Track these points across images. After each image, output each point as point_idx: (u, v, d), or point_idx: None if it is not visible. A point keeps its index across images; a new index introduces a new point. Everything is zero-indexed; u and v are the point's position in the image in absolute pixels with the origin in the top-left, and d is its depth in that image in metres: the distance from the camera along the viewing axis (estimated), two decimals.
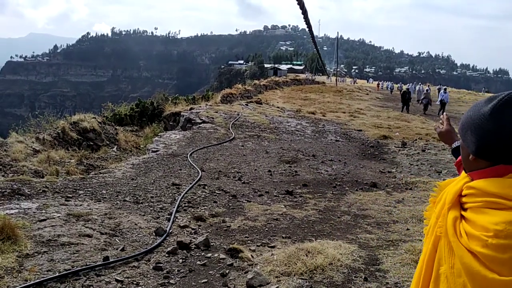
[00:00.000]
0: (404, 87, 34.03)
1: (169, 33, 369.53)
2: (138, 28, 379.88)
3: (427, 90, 26.95)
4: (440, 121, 1.84)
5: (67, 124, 12.71)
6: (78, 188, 5.80)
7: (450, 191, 1.37)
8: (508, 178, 1.22)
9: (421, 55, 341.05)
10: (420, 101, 25.38)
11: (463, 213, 1.29)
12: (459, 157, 1.68)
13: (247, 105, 18.20)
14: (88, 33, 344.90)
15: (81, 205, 5.03)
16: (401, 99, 24.70)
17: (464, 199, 1.31)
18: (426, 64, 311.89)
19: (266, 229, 4.93)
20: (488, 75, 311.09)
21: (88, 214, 4.66)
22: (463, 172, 1.49)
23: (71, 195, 5.41)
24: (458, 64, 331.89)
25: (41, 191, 5.50)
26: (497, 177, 1.24)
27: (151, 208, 5.28)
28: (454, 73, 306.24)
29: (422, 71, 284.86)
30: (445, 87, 27.15)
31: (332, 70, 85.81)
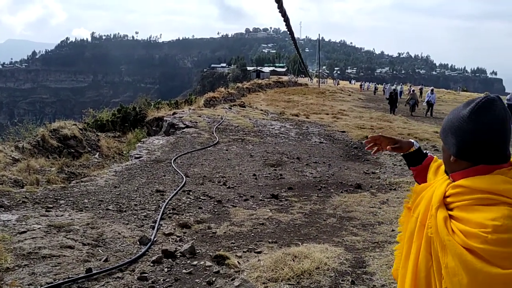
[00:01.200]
0: (392, 88, 34.23)
1: (150, 37, 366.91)
2: (118, 33, 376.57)
3: (413, 91, 26.98)
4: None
5: (47, 132, 12.47)
6: (59, 197, 5.67)
7: (436, 193, 1.39)
8: (495, 175, 1.27)
9: (401, 56, 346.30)
10: (406, 102, 25.36)
11: (449, 212, 1.31)
12: (419, 166, 1.80)
13: (230, 108, 18.15)
14: (67, 38, 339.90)
15: (62, 215, 4.91)
16: (389, 101, 24.64)
17: (449, 199, 1.34)
18: (406, 64, 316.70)
19: (252, 234, 4.89)
20: (466, 74, 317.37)
21: (69, 224, 4.55)
22: (441, 175, 1.53)
23: (51, 205, 5.29)
24: (437, 64, 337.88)
25: (21, 202, 5.36)
26: (496, 172, 1.28)
27: (135, 216, 5.19)
28: (434, 73, 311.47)
29: (403, 71, 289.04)
30: (432, 87, 26.89)
31: (314, 71, 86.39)
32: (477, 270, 1.16)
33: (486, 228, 1.17)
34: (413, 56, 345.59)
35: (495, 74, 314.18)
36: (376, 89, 48.16)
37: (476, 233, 1.18)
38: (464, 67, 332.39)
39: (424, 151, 1.87)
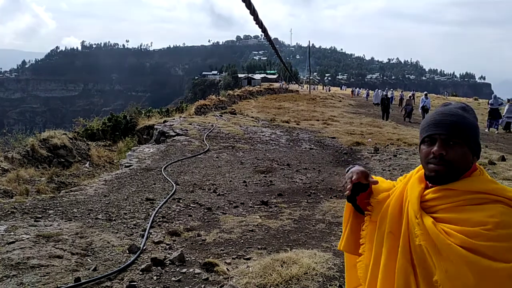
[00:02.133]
0: (383, 93, 34.17)
1: (141, 46, 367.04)
2: (109, 41, 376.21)
3: (410, 97, 26.50)
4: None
5: (37, 141, 12.42)
6: (48, 207, 5.66)
7: (412, 201, 1.41)
8: (479, 176, 1.36)
9: (391, 61, 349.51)
10: (402, 108, 24.85)
11: (432, 215, 1.34)
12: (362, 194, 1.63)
13: (221, 116, 18.20)
14: (57, 47, 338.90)
15: (51, 225, 4.90)
16: (381, 106, 24.55)
17: (429, 203, 1.37)
18: (396, 70, 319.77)
19: (242, 241, 4.92)
20: (455, 79, 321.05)
21: (58, 234, 4.55)
22: (401, 181, 1.56)
23: (40, 215, 5.27)
24: (427, 70, 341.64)
25: (9, 212, 5.34)
26: (474, 174, 1.37)
27: (124, 225, 5.19)
28: (423, 78, 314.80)
29: (393, 77, 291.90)
30: (425, 92, 26.13)
31: (305, 78, 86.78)
32: (485, 268, 1.20)
33: (487, 225, 1.23)
34: (402, 61, 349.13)
35: (484, 79, 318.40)
36: (368, 95, 48.62)
37: (478, 231, 1.23)
38: (453, 72, 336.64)
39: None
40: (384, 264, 1.44)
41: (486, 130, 18.74)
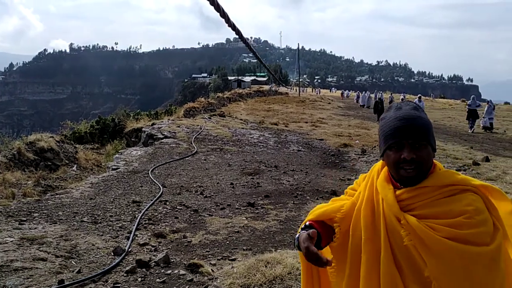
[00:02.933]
0: (372, 96, 33.82)
1: (130, 48, 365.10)
2: (97, 44, 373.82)
3: (402, 99, 26.71)
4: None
5: (23, 145, 12.31)
6: (33, 210, 5.63)
7: (389, 203, 1.43)
8: (443, 171, 1.44)
9: (380, 64, 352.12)
10: None
11: (410, 213, 1.39)
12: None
13: (210, 118, 18.21)
14: (45, 50, 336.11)
15: (35, 228, 4.89)
16: (374, 110, 24.36)
17: (405, 202, 1.42)
18: (385, 72, 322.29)
19: (227, 242, 4.95)
20: (444, 81, 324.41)
21: (42, 237, 4.54)
22: (360, 185, 1.62)
23: (25, 219, 5.25)
24: (415, 72, 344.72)
25: None
26: (436, 169, 1.45)
27: (110, 228, 5.19)
28: (412, 80, 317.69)
29: (382, 79, 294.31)
30: (419, 95, 25.88)
31: (294, 80, 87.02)
32: (472, 255, 1.28)
33: (466, 214, 1.32)
34: (391, 64, 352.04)
35: (471, 81, 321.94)
36: (358, 97, 48.80)
37: (461, 221, 1.31)
38: (441, 75, 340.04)
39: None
40: (365, 271, 1.45)
41: (470, 131, 19.05)
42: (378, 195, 1.49)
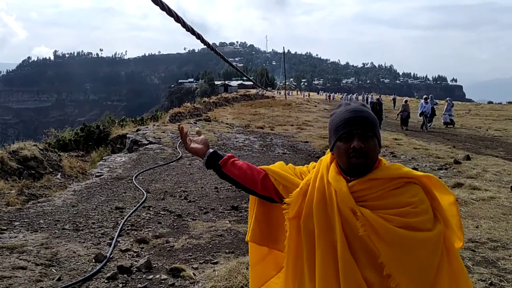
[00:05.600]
0: (374, 98, 30.51)
1: (115, 54, 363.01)
2: (82, 50, 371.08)
3: (405, 102, 22.83)
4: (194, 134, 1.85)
5: (6, 154, 12.14)
6: (14, 219, 5.58)
7: (343, 196, 1.50)
8: (389, 165, 1.56)
9: (366, 66, 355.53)
10: (398, 114, 22.42)
11: (365, 204, 1.48)
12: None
13: (195, 123, 18.21)
14: (29, 58, 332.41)
15: (16, 236, 4.85)
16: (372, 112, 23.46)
17: (357, 194, 1.50)
18: (371, 74, 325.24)
19: (210, 245, 4.97)
20: (428, 82, 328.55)
21: (23, 245, 4.50)
22: (309, 172, 1.71)
23: (5, 227, 5.20)
24: (400, 73, 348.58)
25: None
26: (382, 164, 1.57)
27: (91, 235, 5.17)
28: (397, 81, 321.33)
29: (368, 81, 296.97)
30: (425, 96, 22.25)
31: (281, 84, 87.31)
32: (419, 240, 1.41)
33: (412, 204, 1.45)
34: (377, 66, 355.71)
35: (455, 81, 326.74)
36: (345, 100, 49.22)
37: (408, 210, 1.44)
38: (426, 76, 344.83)
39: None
40: (321, 261, 1.51)
41: (428, 127, 20.08)
42: (330, 187, 1.55)
